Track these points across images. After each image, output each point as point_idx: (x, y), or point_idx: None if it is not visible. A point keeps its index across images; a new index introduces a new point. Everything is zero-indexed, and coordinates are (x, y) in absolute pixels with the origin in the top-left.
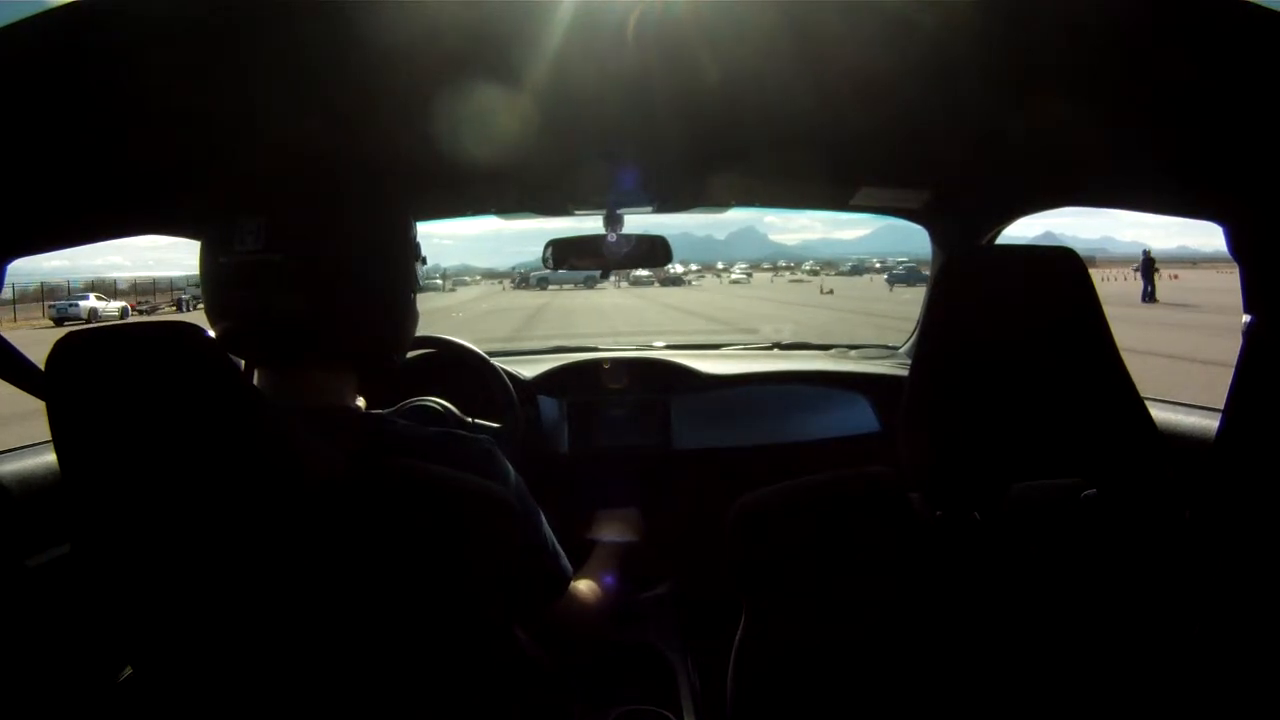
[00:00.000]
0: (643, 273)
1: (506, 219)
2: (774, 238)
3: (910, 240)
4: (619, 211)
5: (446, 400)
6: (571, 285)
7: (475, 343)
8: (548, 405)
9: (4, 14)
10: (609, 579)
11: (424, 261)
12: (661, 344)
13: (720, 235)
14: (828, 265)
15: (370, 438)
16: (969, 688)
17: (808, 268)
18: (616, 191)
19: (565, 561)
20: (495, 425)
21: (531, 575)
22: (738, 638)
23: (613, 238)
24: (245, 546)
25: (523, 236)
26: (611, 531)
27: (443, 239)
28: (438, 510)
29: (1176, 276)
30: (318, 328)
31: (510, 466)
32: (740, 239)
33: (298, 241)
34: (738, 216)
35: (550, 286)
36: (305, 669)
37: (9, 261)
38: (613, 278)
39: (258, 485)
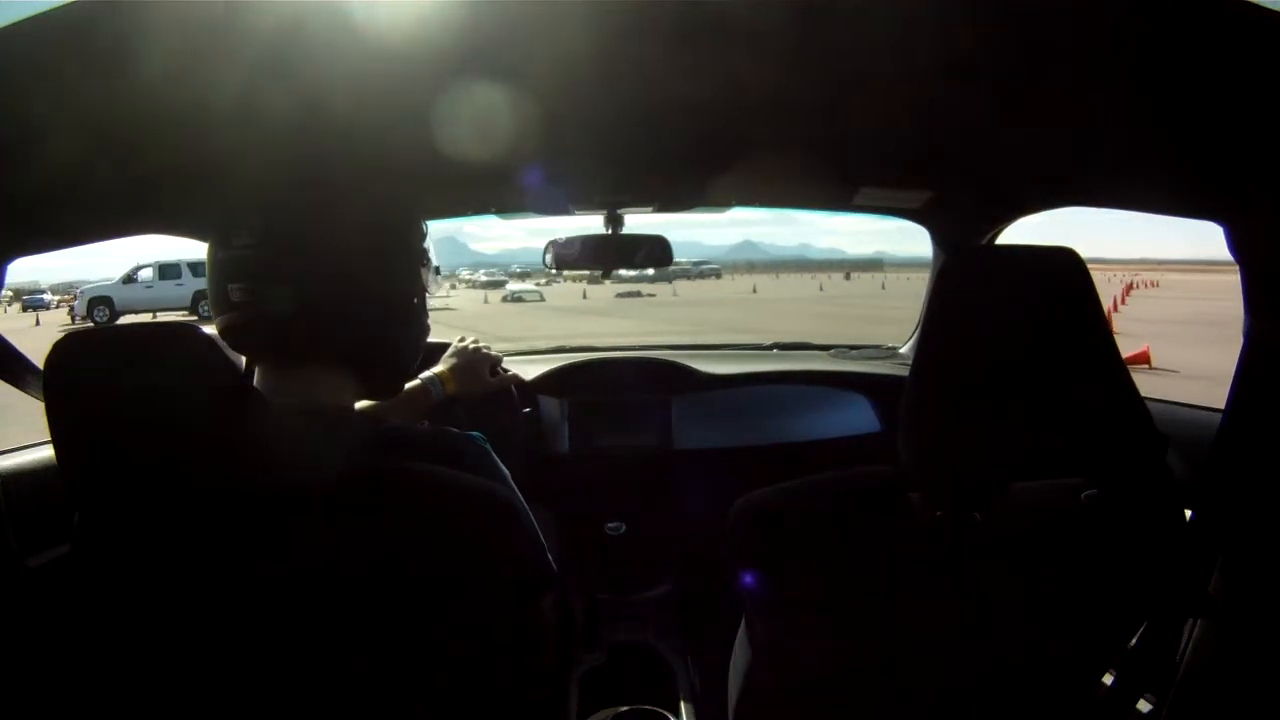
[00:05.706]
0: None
1: (506, 219)
2: (710, 242)
3: None
4: (619, 211)
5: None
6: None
7: None
8: (548, 405)
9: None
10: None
11: (438, 271)
12: (662, 344)
13: None
14: (854, 266)
15: (367, 437)
16: (969, 687)
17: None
18: (616, 191)
19: (550, 558)
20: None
21: (521, 573)
22: (738, 638)
23: (610, 239)
24: (243, 545)
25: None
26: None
27: None
28: (434, 509)
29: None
30: (311, 325)
31: (502, 465)
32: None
33: (291, 238)
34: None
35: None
36: (305, 668)
37: (9, 261)
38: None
39: (255, 484)
